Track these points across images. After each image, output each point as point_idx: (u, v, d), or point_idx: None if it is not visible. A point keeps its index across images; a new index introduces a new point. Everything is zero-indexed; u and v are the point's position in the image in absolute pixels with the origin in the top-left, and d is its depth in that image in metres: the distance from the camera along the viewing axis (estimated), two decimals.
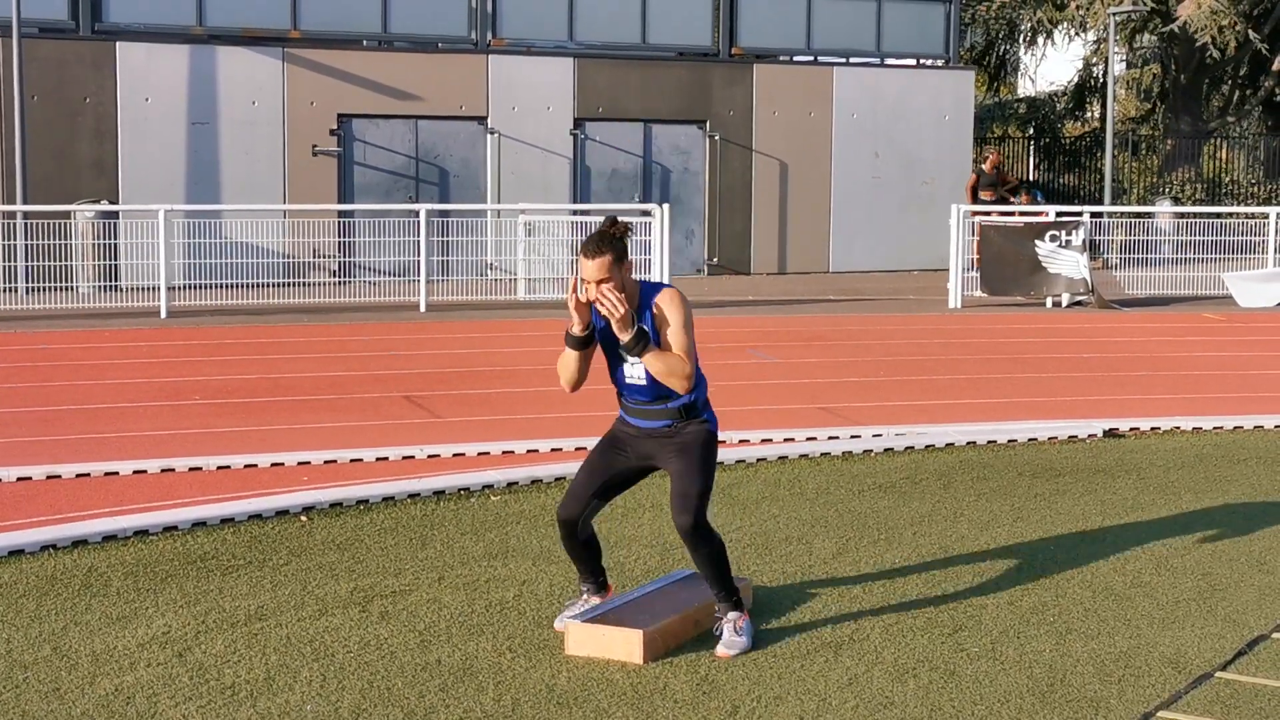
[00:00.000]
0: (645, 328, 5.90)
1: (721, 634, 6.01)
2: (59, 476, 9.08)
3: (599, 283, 5.83)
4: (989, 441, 10.47)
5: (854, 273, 24.75)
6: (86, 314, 17.81)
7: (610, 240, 5.86)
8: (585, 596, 6.34)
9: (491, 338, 16.12)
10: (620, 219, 5.99)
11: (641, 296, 5.97)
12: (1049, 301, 19.84)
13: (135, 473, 9.21)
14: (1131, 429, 11.05)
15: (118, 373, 13.43)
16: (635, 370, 6.01)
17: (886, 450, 10.14)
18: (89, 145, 20.92)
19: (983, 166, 25.13)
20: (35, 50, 20.49)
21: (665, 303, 5.96)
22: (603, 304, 5.83)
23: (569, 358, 6.05)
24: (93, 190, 20.61)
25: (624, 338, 5.86)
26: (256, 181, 21.66)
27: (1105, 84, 30.06)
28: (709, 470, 6.05)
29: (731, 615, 6.05)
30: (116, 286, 19.25)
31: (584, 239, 5.95)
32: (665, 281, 6.18)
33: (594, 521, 6.34)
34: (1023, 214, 22.66)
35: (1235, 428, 11.14)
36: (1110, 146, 27.32)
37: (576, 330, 5.99)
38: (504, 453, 9.89)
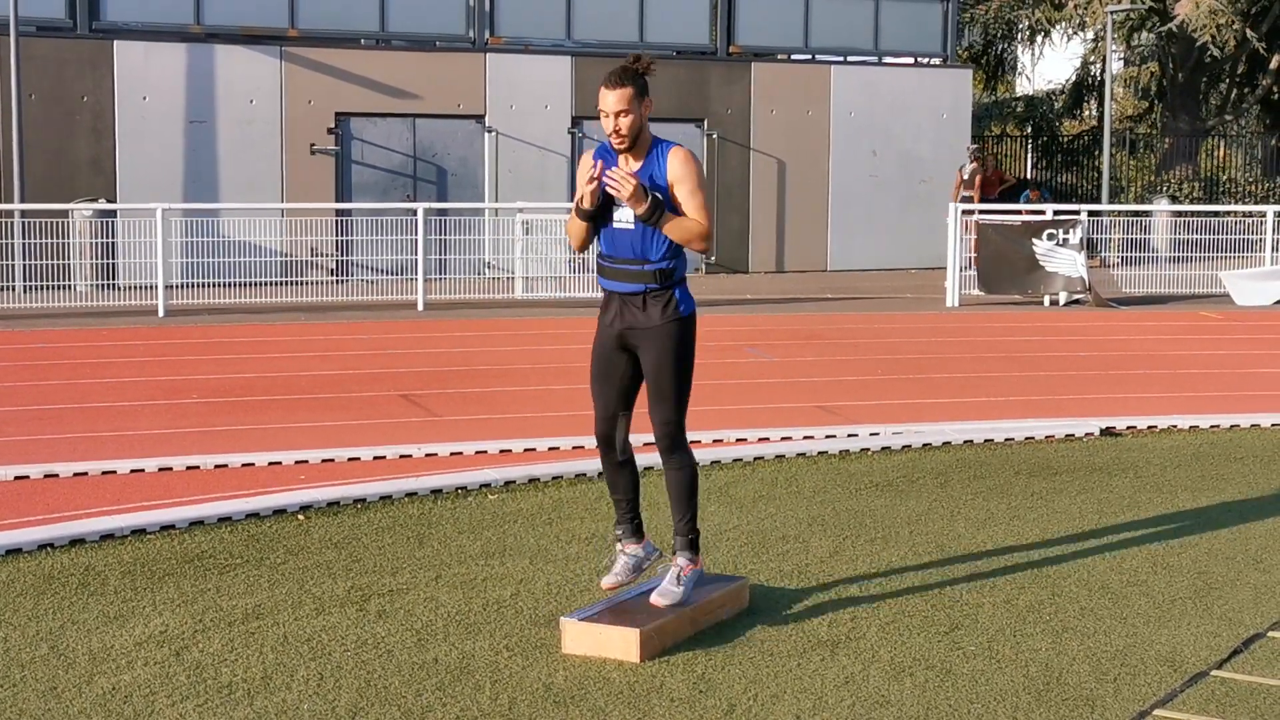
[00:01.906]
0: (659, 195, 5.92)
1: (663, 579, 6.08)
2: (56, 475, 9.09)
3: (618, 114, 5.87)
4: (986, 440, 10.47)
5: (852, 271, 24.76)
6: (84, 313, 17.81)
7: (633, 75, 5.92)
8: (621, 546, 6.33)
9: (489, 336, 16.12)
10: (644, 55, 6.03)
11: (653, 148, 6.00)
12: (1046, 300, 19.85)
13: (133, 471, 9.21)
14: (1128, 427, 11.05)
15: (115, 371, 13.43)
16: (624, 213, 6.01)
17: (884, 449, 10.15)
18: (86, 144, 20.92)
19: (964, 175, 25.07)
20: (33, 49, 20.48)
21: (678, 162, 5.99)
22: (611, 185, 5.86)
23: (578, 225, 6.09)
24: (90, 189, 20.61)
25: (639, 210, 5.89)
26: (254, 180, 21.65)
27: (1103, 82, 30.07)
28: (686, 362, 6.07)
29: (681, 560, 6.12)
30: (114, 285, 19.25)
31: (606, 72, 5.98)
32: (672, 140, 6.16)
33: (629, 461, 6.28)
34: (1026, 213, 22.66)
35: (1232, 426, 11.15)
36: (1108, 145, 27.33)
37: (587, 205, 6.01)
38: (501, 451, 9.90)
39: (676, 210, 5.98)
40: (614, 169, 5.90)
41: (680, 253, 6.11)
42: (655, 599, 6.03)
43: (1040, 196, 26.83)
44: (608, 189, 5.91)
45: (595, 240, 6.19)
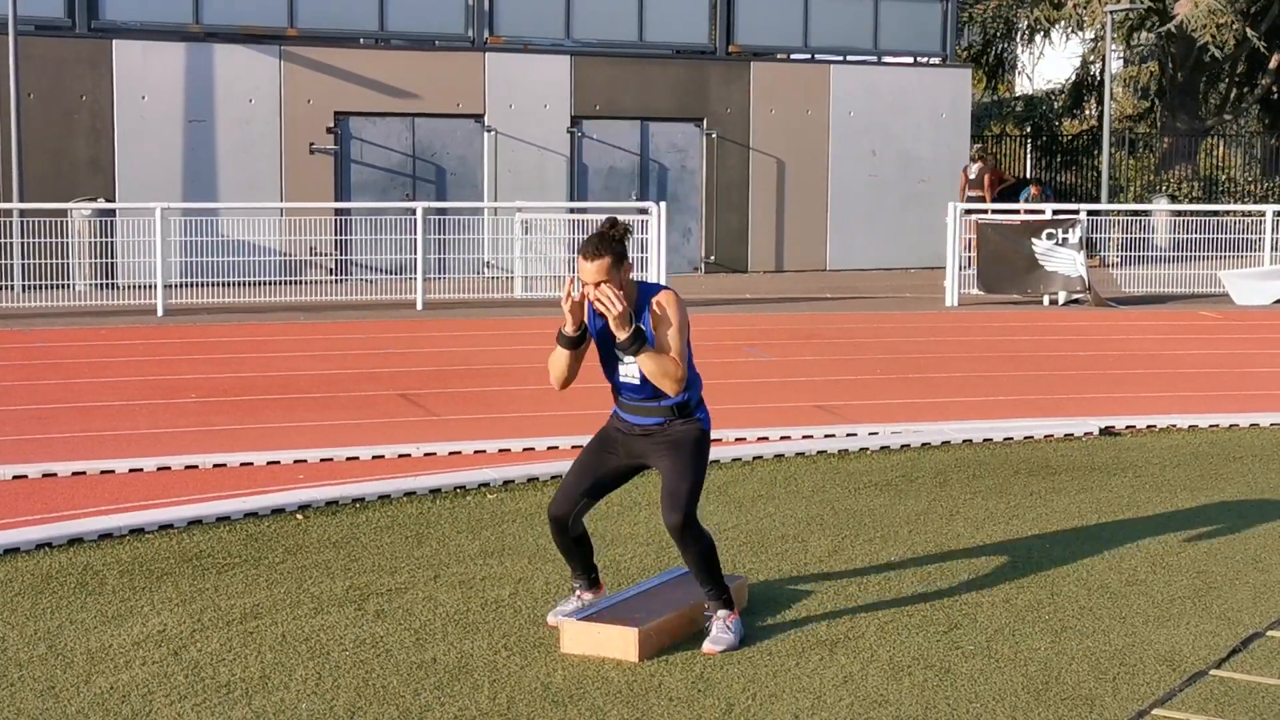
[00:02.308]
0: (642, 327, 5.91)
1: (710, 630, 6.03)
2: (55, 475, 9.08)
3: (597, 284, 5.84)
4: (985, 439, 10.47)
5: (851, 271, 24.74)
6: (83, 312, 17.80)
7: (609, 242, 5.88)
8: (578, 593, 6.35)
9: (488, 336, 16.12)
10: (620, 220, 6.00)
11: (640, 296, 5.99)
12: (1045, 299, 19.85)
13: (131, 471, 9.21)
14: (1127, 427, 11.05)
15: (114, 371, 13.42)
16: (630, 369, 6.03)
17: (882, 448, 10.14)
18: (85, 143, 20.90)
19: (970, 175, 25.06)
20: (31, 48, 20.47)
21: (662, 304, 5.98)
22: (600, 302, 5.84)
23: (560, 356, 6.07)
24: (89, 188, 20.60)
25: (620, 336, 5.88)
26: (253, 179, 21.64)
27: (1103, 82, 30.06)
28: (700, 468, 6.06)
29: (721, 613, 6.06)
30: (113, 284, 19.24)
31: (583, 241, 5.96)
32: (663, 283, 6.15)
33: (588, 519, 6.34)
34: (1026, 211, 22.66)
35: (1231, 426, 11.14)
36: (1107, 144, 27.31)
37: (569, 330, 6.01)
38: (500, 451, 9.89)
39: (659, 347, 5.93)
40: (606, 286, 5.83)
41: (692, 380, 6.08)
42: (709, 647, 5.96)
43: (1042, 192, 26.77)
44: (595, 304, 5.88)
45: (574, 378, 6.10)
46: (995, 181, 25.72)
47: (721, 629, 6.03)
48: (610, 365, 6.11)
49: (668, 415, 6.07)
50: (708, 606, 6.12)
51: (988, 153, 28.12)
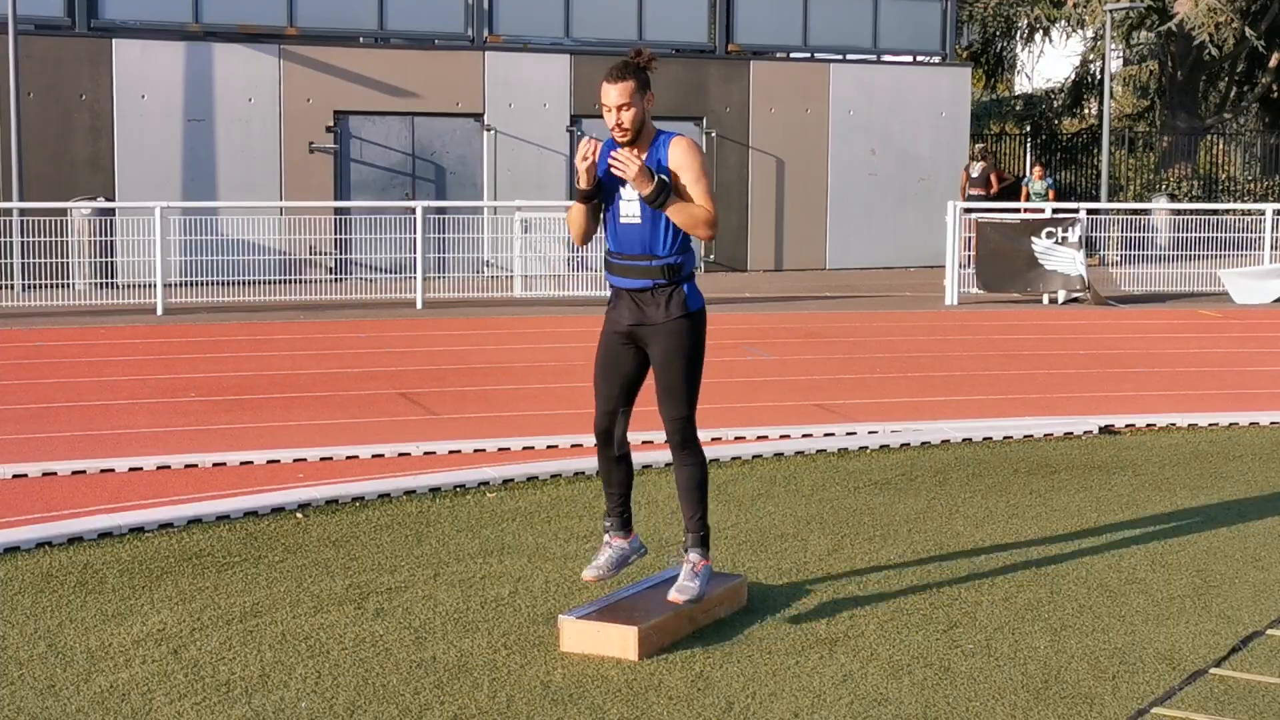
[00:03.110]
0: (665, 178, 5.92)
1: (679, 575, 6.07)
2: (54, 474, 9.08)
3: (620, 108, 5.87)
4: (985, 438, 10.47)
5: (850, 270, 24.75)
6: (82, 311, 17.80)
7: (634, 69, 5.92)
8: (609, 538, 6.33)
9: (488, 335, 16.12)
10: (645, 49, 6.02)
11: (655, 139, 6.00)
12: (1045, 298, 19.85)
13: (131, 470, 9.21)
14: (1127, 426, 11.05)
15: (114, 370, 13.42)
16: (631, 208, 6.01)
17: (882, 447, 10.14)
18: (85, 142, 20.91)
19: (973, 174, 25.05)
20: (31, 47, 20.47)
21: (680, 150, 5.97)
22: (616, 165, 5.86)
23: (577, 211, 6.09)
24: (89, 187, 20.60)
25: (645, 191, 5.88)
26: (253, 178, 21.64)
27: (1102, 81, 30.06)
28: (694, 356, 6.07)
29: (693, 555, 6.11)
30: (112, 284, 19.25)
31: (607, 68, 5.96)
32: (674, 131, 6.14)
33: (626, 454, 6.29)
34: (1027, 210, 22.67)
35: (1231, 424, 11.14)
36: (1107, 143, 27.33)
37: (583, 185, 6.00)
38: (500, 449, 9.89)
39: (682, 196, 5.98)
40: (620, 150, 5.89)
41: (688, 248, 6.10)
42: (673, 595, 6.00)
43: (1045, 173, 26.66)
44: (612, 170, 5.91)
45: (600, 231, 6.18)
46: (996, 180, 25.73)
47: (689, 575, 6.06)
48: (613, 208, 6.07)
49: (656, 277, 6.03)
50: (685, 537, 6.17)
51: (989, 152, 28.11)
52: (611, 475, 6.32)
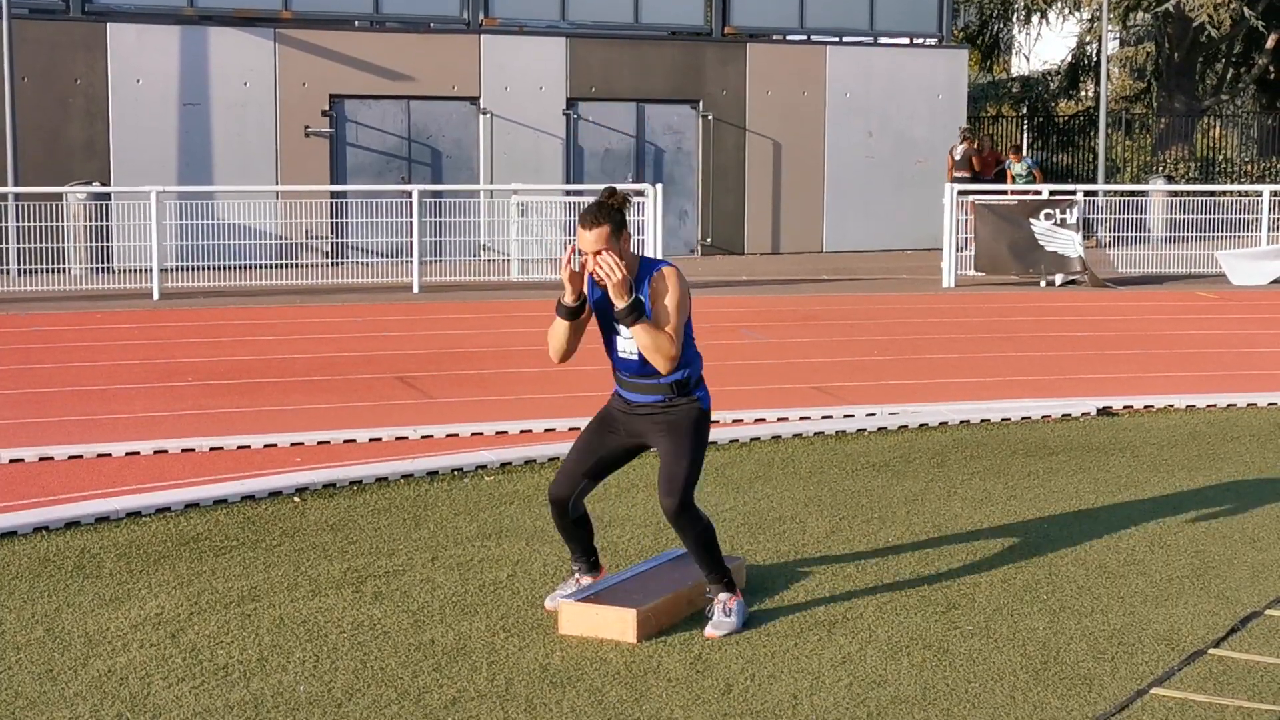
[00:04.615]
0: (641, 298, 5.87)
1: (712, 614, 6.01)
2: (51, 458, 9.07)
3: (597, 253, 5.80)
4: (982, 420, 10.46)
5: (847, 252, 24.73)
6: (79, 296, 17.78)
7: (609, 211, 5.83)
8: (577, 577, 6.33)
9: (485, 318, 16.10)
10: (619, 189, 5.95)
11: (640, 270, 5.94)
12: (1043, 280, 19.84)
13: (128, 454, 9.20)
14: (1125, 407, 11.05)
15: (110, 355, 13.40)
16: (629, 345, 5.98)
17: (880, 429, 10.14)
18: (80, 127, 20.85)
19: (955, 157, 24.97)
20: (25, 31, 20.41)
21: (663, 279, 5.92)
22: (600, 269, 5.81)
23: (559, 328, 6.02)
24: (84, 172, 20.55)
25: (619, 304, 5.83)
26: (248, 163, 21.59)
27: (1099, 63, 30.02)
28: (699, 451, 6.02)
29: (722, 596, 6.04)
30: (108, 268, 19.21)
31: (582, 210, 5.93)
32: (665, 260, 6.08)
33: (587, 501, 6.32)
34: (1017, 191, 22.64)
35: (1229, 405, 11.14)
36: (1104, 125, 27.27)
37: (568, 300, 5.96)
38: (497, 433, 9.88)
39: (656, 320, 5.87)
40: (606, 254, 5.78)
41: (692, 359, 6.03)
42: (710, 632, 5.93)
43: (1022, 159, 26.44)
44: (595, 272, 5.83)
45: (573, 351, 6.07)
46: (993, 162, 25.65)
47: (722, 613, 6.00)
48: (610, 339, 6.06)
49: (666, 393, 6.02)
50: (708, 589, 6.10)
51: (975, 133, 28.01)
52: (570, 535, 6.26)
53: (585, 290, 5.99)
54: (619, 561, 6.91)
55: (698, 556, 6.05)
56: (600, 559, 6.44)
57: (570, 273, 5.93)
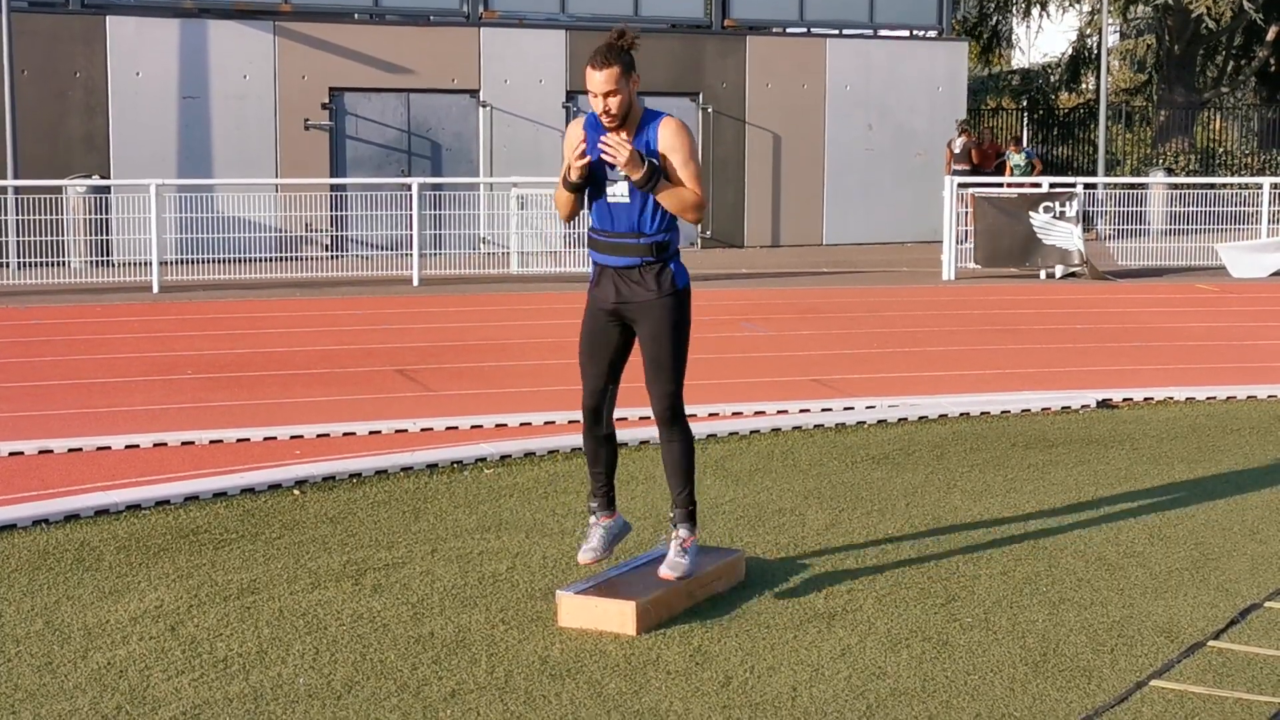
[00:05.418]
0: (654, 161, 5.87)
1: (668, 552, 6.09)
2: (51, 451, 9.07)
3: (606, 95, 5.80)
4: (982, 413, 10.46)
5: (847, 245, 24.73)
6: (78, 289, 17.77)
7: (618, 52, 5.84)
8: (596, 519, 6.30)
9: (484, 311, 16.10)
10: (629, 29, 5.94)
11: (643, 120, 5.94)
12: (1043, 273, 19.83)
13: (128, 447, 9.19)
14: (1125, 399, 11.05)
15: (110, 348, 13.40)
16: (619, 188, 5.97)
17: (880, 422, 10.14)
18: (80, 120, 20.85)
19: (954, 148, 24.96)
20: (25, 24, 20.40)
21: (669, 133, 5.92)
22: (607, 152, 5.81)
23: (565, 196, 6.04)
24: (84, 165, 20.55)
25: (636, 176, 5.83)
26: (248, 156, 21.59)
27: (1099, 55, 30.00)
28: (683, 331, 6.04)
29: (682, 532, 6.12)
30: (108, 261, 19.21)
31: (591, 51, 5.91)
32: (663, 111, 6.09)
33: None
34: (1013, 183, 22.63)
35: (1228, 398, 11.14)
36: (1104, 118, 27.26)
37: (574, 178, 5.95)
38: (497, 426, 9.89)
39: (670, 179, 5.94)
40: (610, 135, 5.84)
41: (674, 226, 6.07)
42: (664, 572, 6.01)
43: (1021, 150, 26.46)
44: (603, 156, 5.86)
45: (585, 211, 6.16)
46: (993, 155, 25.63)
47: (677, 551, 6.07)
48: (600, 189, 6.02)
49: (644, 255, 5.99)
50: (672, 513, 6.17)
51: (972, 125, 28.00)
52: (598, 454, 6.29)
53: (588, 153, 5.93)
54: (618, 554, 6.90)
55: (674, 471, 6.12)
56: (615, 498, 6.42)
57: (583, 161, 5.87)
